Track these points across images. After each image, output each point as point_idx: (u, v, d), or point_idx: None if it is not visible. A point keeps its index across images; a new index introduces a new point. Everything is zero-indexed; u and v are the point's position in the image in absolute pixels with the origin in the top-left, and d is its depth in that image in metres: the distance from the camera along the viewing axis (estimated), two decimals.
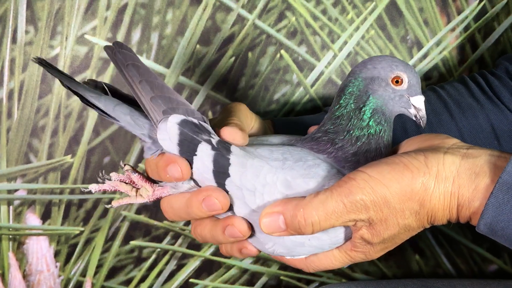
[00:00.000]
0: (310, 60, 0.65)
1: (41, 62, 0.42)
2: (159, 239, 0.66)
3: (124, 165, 0.44)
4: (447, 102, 0.57)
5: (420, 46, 0.67)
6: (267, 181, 0.41)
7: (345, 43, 0.65)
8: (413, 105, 0.45)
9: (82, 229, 0.64)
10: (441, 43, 0.67)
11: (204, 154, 0.41)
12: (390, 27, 0.66)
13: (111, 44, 0.41)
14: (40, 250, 0.64)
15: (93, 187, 0.44)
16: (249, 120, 0.47)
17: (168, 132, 0.41)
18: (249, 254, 0.44)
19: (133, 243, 0.66)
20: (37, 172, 0.63)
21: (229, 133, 0.42)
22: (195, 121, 0.41)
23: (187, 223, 0.67)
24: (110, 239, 0.65)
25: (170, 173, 0.41)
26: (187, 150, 0.41)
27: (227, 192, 0.42)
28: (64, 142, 0.63)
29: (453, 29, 0.67)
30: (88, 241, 0.65)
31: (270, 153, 0.42)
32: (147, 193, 0.43)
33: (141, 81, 0.40)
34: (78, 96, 0.42)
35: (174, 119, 0.41)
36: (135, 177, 0.43)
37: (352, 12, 0.65)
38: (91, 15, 0.61)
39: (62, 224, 0.64)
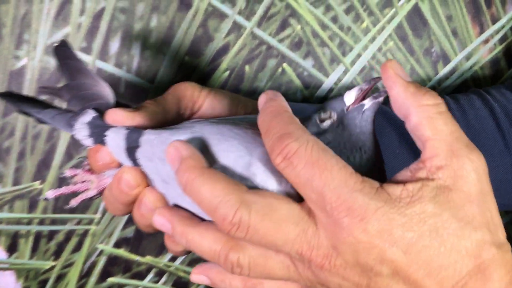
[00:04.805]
0: (317, 76, 0.57)
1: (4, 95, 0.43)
2: (141, 276, 0.59)
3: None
4: (493, 108, 0.49)
5: (447, 60, 0.58)
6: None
7: (359, 56, 0.57)
8: None
9: (53, 263, 0.58)
10: (472, 56, 0.58)
11: (117, 134, 0.38)
12: (412, 37, 0.57)
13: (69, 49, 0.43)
14: (6, 286, 0.57)
15: (49, 193, 0.44)
16: (186, 100, 0.42)
17: (81, 129, 0.40)
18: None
19: (111, 280, 0.59)
20: (2, 199, 0.56)
21: (110, 114, 0.39)
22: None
23: (173, 258, 0.59)
24: (85, 275, 0.58)
25: (102, 160, 0.40)
26: (100, 135, 0.39)
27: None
28: (32, 166, 0.55)
29: (486, 41, 0.58)
30: (60, 277, 0.58)
31: (192, 124, 0.38)
32: (93, 185, 0.43)
33: (61, 87, 0.42)
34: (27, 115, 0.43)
35: (84, 118, 0.40)
36: (80, 172, 0.43)
37: (367, 20, 0.57)
38: (63, 21, 0.53)
39: (31, 257, 0.57)
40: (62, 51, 0.42)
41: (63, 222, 0.57)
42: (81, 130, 0.40)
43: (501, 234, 0.31)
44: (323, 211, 0.30)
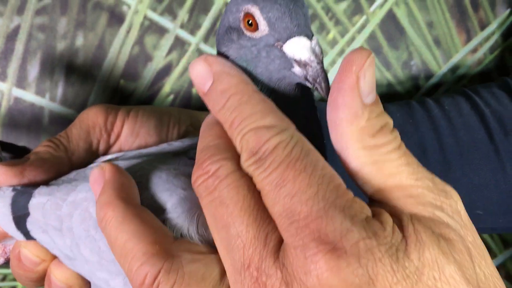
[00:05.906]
0: None
1: None
2: None
3: None
4: (484, 114, 0.43)
5: (429, 74, 0.51)
6: (76, 200, 0.28)
7: None
8: (294, 60, 0.25)
9: None
10: (459, 69, 0.51)
11: (0, 200, 0.30)
12: (387, 49, 0.50)
13: None
14: None
15: None
16: (98, 130, 0.34)
17: None
18: None
19: None
20: None
21: None
22: None
23: None
24: None
25: None
26: None
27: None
28: None
29: (474, 50, 0.51)
30: None
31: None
32: None
33: None
34: None
35: None
36: None
37: (334, 30, 0.49)
38: None
39: None
40: None
41: None
42: None
43: None
44: (287, 231, 0.22)
